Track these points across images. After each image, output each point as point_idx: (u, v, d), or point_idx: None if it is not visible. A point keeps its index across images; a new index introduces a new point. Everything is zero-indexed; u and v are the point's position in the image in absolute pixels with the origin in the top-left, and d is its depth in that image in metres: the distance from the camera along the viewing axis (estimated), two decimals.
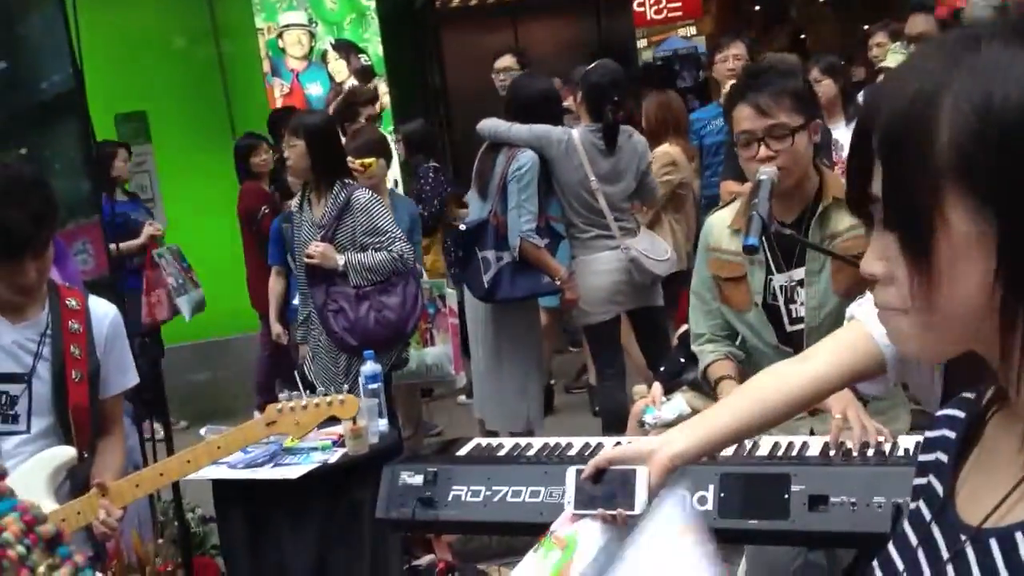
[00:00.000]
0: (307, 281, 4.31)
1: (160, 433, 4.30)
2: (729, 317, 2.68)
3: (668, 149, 5.56)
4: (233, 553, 3.46)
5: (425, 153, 6.13)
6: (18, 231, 2.39)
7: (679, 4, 10.97)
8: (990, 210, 0.76)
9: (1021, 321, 0.78)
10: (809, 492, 2.13)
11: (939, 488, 0.93)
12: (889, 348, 1.68)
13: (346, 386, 3.87)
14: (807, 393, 1.67)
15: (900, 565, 0.94)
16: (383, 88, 8.56)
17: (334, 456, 3.26)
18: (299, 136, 4.21)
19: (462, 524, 2.52)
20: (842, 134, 5.05)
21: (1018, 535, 0.80)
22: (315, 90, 8.67)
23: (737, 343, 2.75)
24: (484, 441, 2.77)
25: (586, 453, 2.54)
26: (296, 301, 4.62)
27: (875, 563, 0.97)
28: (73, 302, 2.65)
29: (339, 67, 8.73)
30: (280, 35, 8.65)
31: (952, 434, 0.96)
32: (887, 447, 2.30)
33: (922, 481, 0.97)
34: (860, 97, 5.65)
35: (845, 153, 4.90)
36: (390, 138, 5.89)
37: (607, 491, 1.54)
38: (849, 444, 2.28)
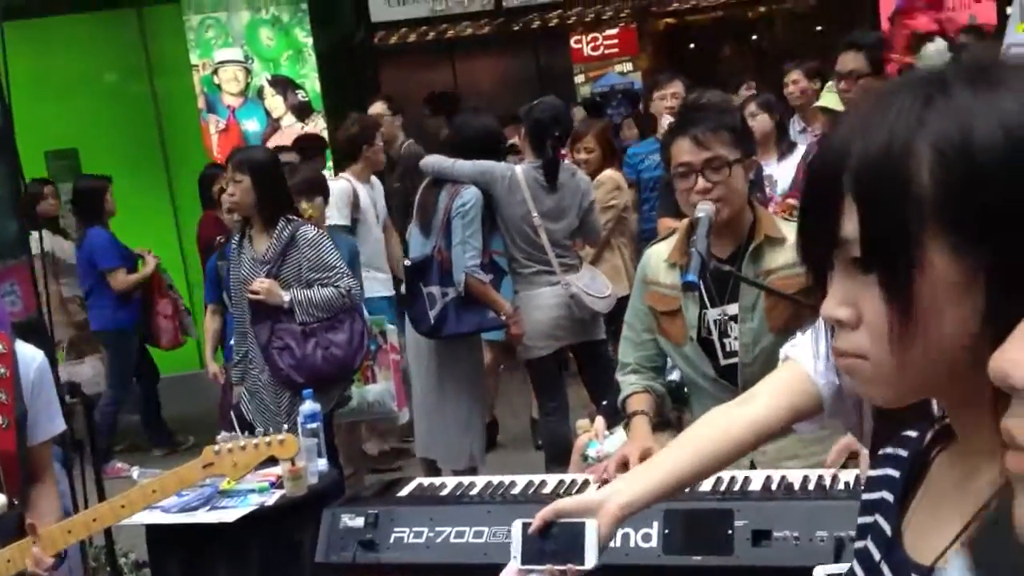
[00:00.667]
0: (251, 318, 4.23)
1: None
2: (667, 350, 2.69)
3: (612, 174, 5.66)
4: None
5: None
6: None
7: (616, 41, 11.18)
8: (977, 249, 0.76)
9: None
10: (752, 527, 2.13)
11: (886, 527, 0.93)
12: (827, 387, 1.69)
13: (286, 426, 3.79)
14: (748, 438, 1.68)
15: None
16: (321, 124, 8.54)
17: (272, 498, 3.20)
18: (244, 171, 4.15)
19: (405, 567, 2.48)
20: (774, 169, 5.16)
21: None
22: (252, 126, 8.62)
23: (675, 375, 2.76)
24: (426, 481, 2.74)
25: (530, 491, 2.52)
26: (232, 342, 4.53)
27: None
28: None
29: (276, 103, 8.69)
30: (215, 71, 8.59)
31: (896, 473, 0.96)
32: (828, 481, 2.31)
33: (868, 520, 0.97)
34: (799, 136, 5.78)
35: (780, 188, 5.00)
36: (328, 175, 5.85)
37: (556, 546, 1.51)
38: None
